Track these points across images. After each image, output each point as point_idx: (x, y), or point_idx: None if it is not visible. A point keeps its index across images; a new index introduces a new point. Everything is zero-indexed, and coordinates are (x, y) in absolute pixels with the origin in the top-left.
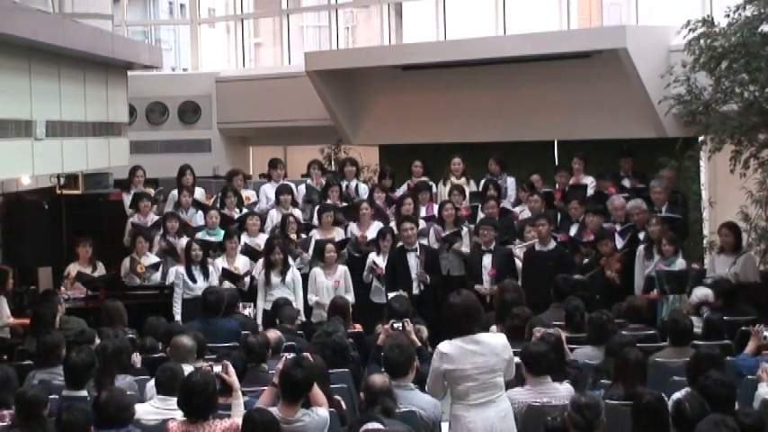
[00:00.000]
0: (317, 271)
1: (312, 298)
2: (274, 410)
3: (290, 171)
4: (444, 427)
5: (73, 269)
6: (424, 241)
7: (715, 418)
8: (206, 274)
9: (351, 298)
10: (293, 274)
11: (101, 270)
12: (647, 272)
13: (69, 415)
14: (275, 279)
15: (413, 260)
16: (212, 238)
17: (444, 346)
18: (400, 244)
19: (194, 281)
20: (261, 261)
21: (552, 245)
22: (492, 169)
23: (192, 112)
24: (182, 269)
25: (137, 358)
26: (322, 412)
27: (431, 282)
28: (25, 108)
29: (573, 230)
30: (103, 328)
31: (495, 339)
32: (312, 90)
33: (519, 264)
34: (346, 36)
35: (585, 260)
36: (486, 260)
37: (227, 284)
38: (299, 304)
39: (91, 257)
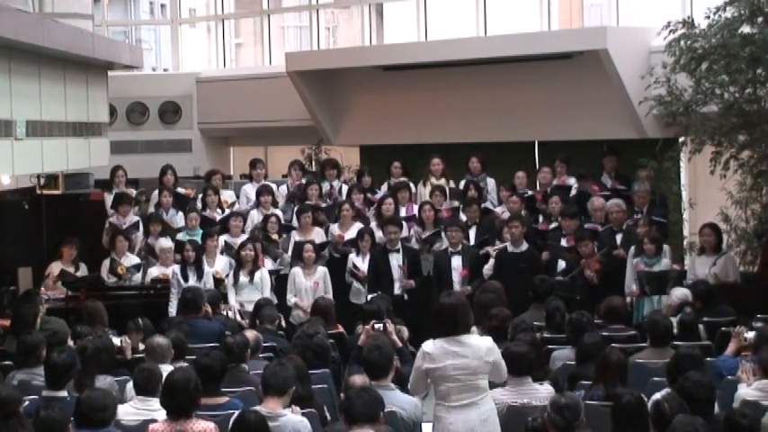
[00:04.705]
0: (297, 271)
1: (291, 299)
2: (260, 408)
3: (270, 171)
4: (425, 427)
5: (55, 267)
6: (408, 244)
7: (684, 419)
8: (200, 275)
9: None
10: (262, 274)
11: (83, 271)
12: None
13: (47, 413)
14: (243, 279)
15: (395, 261)
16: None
17: (427, 345)
18: (382, 244)
19: (186, 280)
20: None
21: (524, 246)
22: (473, 168)
23: (173, 113)
24: (177, 269)
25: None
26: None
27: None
28: (5, 108)
29: (553, 225)
30: (81, 327)
31: (480, 342)
32: (293, 90)
33: (491, 263)
34: (327, 36)
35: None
36: (456, 261)
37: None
38: None
39: (74, 259)
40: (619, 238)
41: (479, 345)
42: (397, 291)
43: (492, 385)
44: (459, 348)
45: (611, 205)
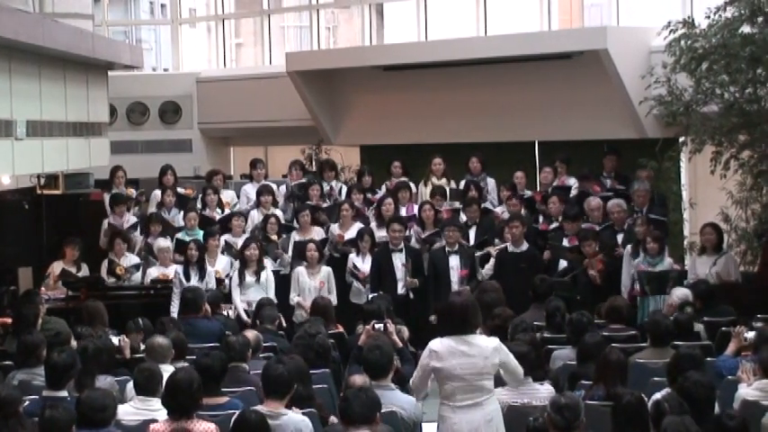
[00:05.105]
0: (301, 270)
1: (294, 298)
2: (261, 408)
3: (270, 171)
4: (425, 427)
5: (56, 267)
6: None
7: (675, 419)
8: (202, 275)
9: (333, 299)
10: (267, 274)
11: (85, 271)
12: (633, 272)
13: (53, 412)
14: (250, 279)
15: (398, 261)
16: (189, 240)
17: (435, 344)
18: (385, 242)
19: (189, 280)
20: (238, 261)
21: (525, 246)
22: (473, 168)
23: (173, 113)
24: (179, 269)
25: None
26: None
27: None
28: (5, 108)
29: (553, 225)
30: (82, 327)
31: (487, 342)
32: (293, 90)
33: (491, 263)
34: (327, 36)
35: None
36: (454, 261)
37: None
38: None
39: (77, 259)
40: (620, 237)
41: (486, 345)
42: (400, 290)
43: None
44: (467, 348)
45: (612, 205)
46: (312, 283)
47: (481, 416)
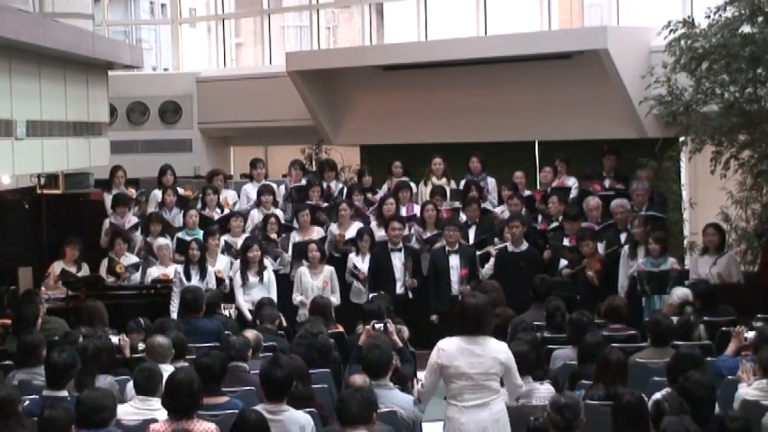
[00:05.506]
0: (304, 270)
1: (297, 297)
2: (261, 407)
3: (270, 171)
4: (426, 426)
5: (57, 267)
6: (408, 244)
7: (674, 419)
8: (203, 274)
9: (336, 299)
10: (269, 274)
11: (85, 271)
12: (631, 272)
13: (52, 412)
14: (253, 279)
15: (397, 260)
16: (190, 239)
17: (444, 342)
18: (384, 241)
19: (189, 279)
20: (238, 261)
21: (524, 246)
22: (474, 168)
23: (173, 112)
24: (179, 268)
25: None
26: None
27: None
28: (5, 108)
29: (552, 225)
30: (82, 327)
31: (498, 345)
32: (293, 90)
33: (491, 262)
34: (327, 36)
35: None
36: (454, 260)
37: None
38: None
39: (77, 259)
40: (623, 237)
41: (495, 347)
42: (399, 289)
43: None
44: (475, 347)
45: (616, 205)
46: (315, 283)
47: (489, 415)
